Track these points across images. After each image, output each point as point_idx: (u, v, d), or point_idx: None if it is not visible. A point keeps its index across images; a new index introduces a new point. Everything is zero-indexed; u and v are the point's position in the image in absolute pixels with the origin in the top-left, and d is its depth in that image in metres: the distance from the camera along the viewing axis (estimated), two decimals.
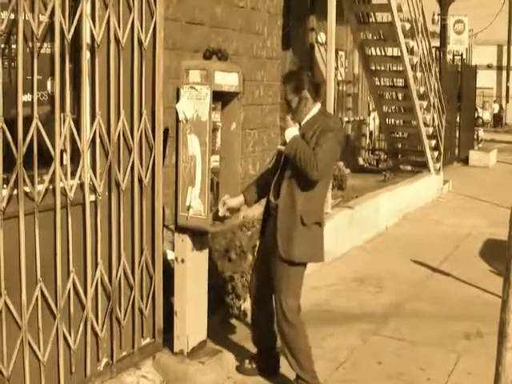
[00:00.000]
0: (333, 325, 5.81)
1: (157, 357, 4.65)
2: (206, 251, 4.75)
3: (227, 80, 4.42)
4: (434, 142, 13.29)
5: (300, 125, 4.33)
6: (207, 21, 7.20)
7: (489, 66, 44.36)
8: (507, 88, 43.61)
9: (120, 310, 4.32)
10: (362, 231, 9.04)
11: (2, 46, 3.48)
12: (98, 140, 4.06)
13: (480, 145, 21.72)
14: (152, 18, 4.39)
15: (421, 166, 13.19)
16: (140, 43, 4.31)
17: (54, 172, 3.76)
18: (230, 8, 7.68)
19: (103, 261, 4.15)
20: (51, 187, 3.78)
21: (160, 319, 4.66)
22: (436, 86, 13.35)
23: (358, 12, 12.43)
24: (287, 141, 4.24)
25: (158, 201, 4.55)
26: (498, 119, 40.99)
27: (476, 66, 22.70)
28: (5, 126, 3.44)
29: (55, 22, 3.70)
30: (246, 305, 5.74)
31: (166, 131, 4.68)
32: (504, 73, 44.93)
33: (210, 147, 4.32)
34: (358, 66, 14.27)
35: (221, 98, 4.46)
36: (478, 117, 31.13)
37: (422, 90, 12.65)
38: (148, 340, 4.62)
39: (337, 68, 12.45)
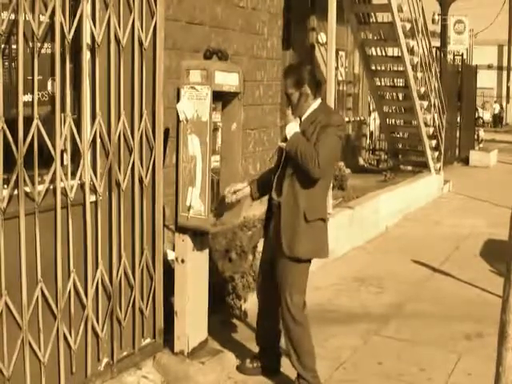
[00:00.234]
0: (334, 325, 5.81)
1: (157, 357, 4.65)
2: (207, 251, 4.75)
3: (227, 80, 4.42)
4: (434, 142, 13.29)
5: (300, 120, 4.32)
6: (207, 21, 7.20)
7: (489, 66, 44.38)
8: (508, 88, 43.62)
9: (120, 310, 4.32)
10: (362, 231, 9.04)
11: (3, 46, 3.47)
12: (98, 140, 4.06)
13: (480, 145, 21.72)
14: (152, 18, 4.39)
15: (421, 166, 13.19)
16: (140, 43, 4.31)
17: (54, 172, 3.76)
18: (231, 8, 7.68)
19: (104, 261, 4.15)
20: (52, 187, 3.78)
21: (160, 319, 4.66)
22: (436, 86, 13.35)
23: (359, 12, 12.44)
24: (288, 137, 4.23)
25: (158, 201, 4.55)
26: (498, 119, 40.99)
27: (476, 66, 22.72)
28: (5, 126, 3.44)
29: (56, 22, 3.70)
30: (247, 305, 5.75)
31: (166, 131, 4.68)
32: (504, 73, 44.94)
33: (211, 147, 4.32)
34: (359, 66, 14.28)
35: (221, 98, 4.46)
36: (479, 117, 31.13)
37: (422, 90, 12.66)
38: (148, 340, 4.62)
39: (337, 68, 12.45)
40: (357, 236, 8.85)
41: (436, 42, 20.04)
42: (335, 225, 7.96)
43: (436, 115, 13.33)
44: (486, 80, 37.60)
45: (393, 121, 14.09)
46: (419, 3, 12.25)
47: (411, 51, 12.07)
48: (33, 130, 3.60)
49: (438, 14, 28.61)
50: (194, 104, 4.30)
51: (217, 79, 4.29)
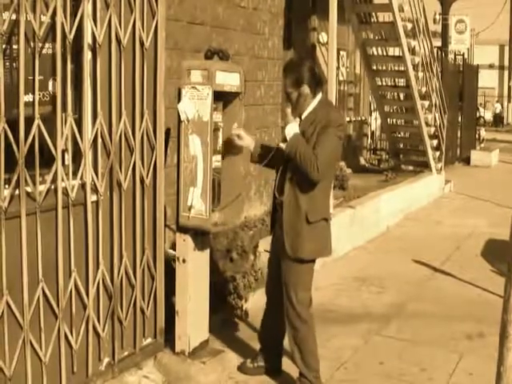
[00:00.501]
0: (335, 325, 5.81)
1: (158, 357, 4.65)
2: (208, 251, 4.76)
3: (228, 80, 4.42)
4: (435, 142, 13.29)
5: (300, 118, 4.30)
6: (208, 21, 7.20)
7: (491, 66, 44.36)
8: (509, 88, 43.61)
9: (122, 310, 4.32)
10: (363, 231, 9.04)
11: (4, 46, 3.47)
12: (99, 140, 4.06)
13: (482, 144, 21.70)
14: (153, 18, 4.39)
15: (422, 166, 13.19)
16: (141, 43, 4.32)
17: (55, 172, 3.76)
18: (232, 8, 7.68)
19: (105, 261, 4.16)
20: (53, 187, 3.79)
21: (161, 319, 4.66)
22: (438, 85, 13.34)
23: (360, 12, 12.45)
24: (287, 138, 4.22)
25: (159, 201, 4.55)
26: (499, 119, 40.98)
27: (478, 65, 22.69)
28: (6, 126, 3.44)
29: (57, 22, 3.70)
30: (248, 305, 5.75)
31: (167, 131, 4.69)
32: (506, 72, 44.93)
33: (212, 147, 4.32)
34: (360, 65, 14.27)
35: (222, 98, 4.46)
36: (480, 116, 31.12)
37: (423, 89, 12.66)
38: (149, 340, 4.62)
39: (338, 68, 12.45)
40: (358, 236, 8.85)
41: (437, 42, 20.05)
42: (336, 224, 7.94)
43: (437, 115, 13.33)
44: (487, 80, 37.61)
45: (394, 120, 14.09)
46: (420, 3, 12.25)
47: (412, 51, 12.07)
48: (34, 129, 3.60)
49: (439, 14, 28.61)
50: (195, 104, 4.30)
51: (218, 79, 4.29)
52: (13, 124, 3.48)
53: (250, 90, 7.92)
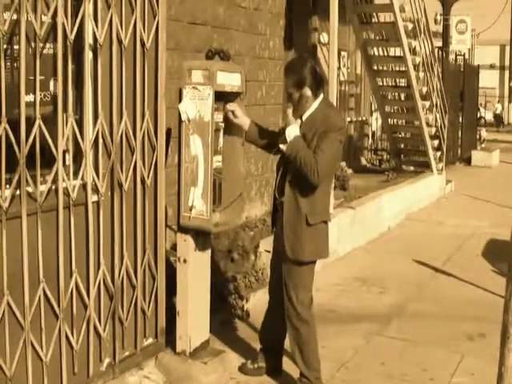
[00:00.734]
0: (336, 325, 5.81)
1: (159, 357, 4.65)
2: (209, 251, 4.75)
3: (229, 80, 4.41)
4: (436, 142, 13.28)
5: (301, 120, 4.29)
6: (209, 21, 7.20)
7: (491, 66, 44.36)
8: (510, 88, 43.60)
9: (122, 311, 4.32)
10: (364, 231, 9.04)
11: (5, 46, 3.47)
12: (100, 140, 4.06)
13: (482, 145, 21.70)
14: (154, 18, 4.39)
15: (423, 166, 13.18)
16: (142, 44, 4.32)
17: (56, 172, 3.76)
18: (233, 8, 7.68)
19: (106, 261, 4.16)
20: (54, 187, 3.79)
21: (162, 319, 4.66)
22: (438, 86, 13.34)
23: (361, 12, 12.44)
24: (288, 140, 4.21)
25: (160, 201, 4.55)
26: (499, 119, 40.99)
27: (478, 65, 22.69)
28: (7, 127, 3.44)
29: (57, 22, 3.70)
30: (249, 305, 5.75)
31: (168, 131, 4.68)
32: (506, 73, 44.93)
33: (213, 147, 4.32)
34: (361, 66, 14.27)
35: (223, 98, 4.45)
36: (481, 117, 31.12)
37: (424, 90, 12.65)
38: (150, 340, 4.62)
39: (339, 68, 12.43)
40: (359, 236, 8.85)
41: (438, 42, 20.05)
42: (337, 225, 7.96)
43: (438, 115, 13.32)
44: (488, 80, 37.62)
45: (395, 121, 14.08)
46: (421, 3, 12.24)
47: (413, 51, 12.07)
48: (35, 130, 3.60)
49: (440, 14, 28.62)
50: (196, 104, 4.30)
51: (219, 79, 4.29)
52: (14, 124, 3.48)
53: (251, 90, 7.92)
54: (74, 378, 4.00)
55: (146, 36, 4.33)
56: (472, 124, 20.38)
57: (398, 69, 13.19)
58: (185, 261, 4.55)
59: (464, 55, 20.12)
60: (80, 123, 3.96)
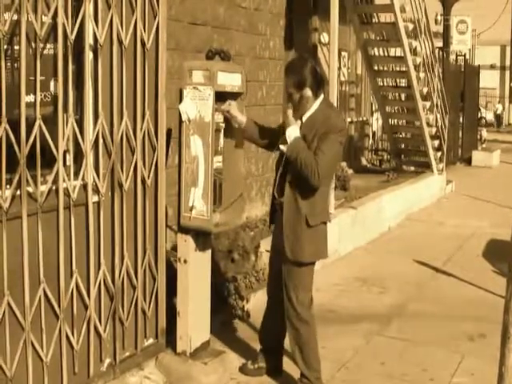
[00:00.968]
0: (336, 325, 5.81)
1: (160, 357, 4.65)
2: (209, 252, 4.75)
3: (230, 80, 4.41)
4: (437, 143, 13.28)
5: (301, 120, 4.28)
6: (210, 21, 7.20)
7: (492, 67, 44.34)
8: (510, 88, 43.57)
9: (123, 311, 4.32)
10: (365, 231, 9.04)
11: (5, 46, 3.48)
12: (100, 140, 4.06)
13: (483, 145, 21.69)
14: (155, 18, 4.40)
15: (424, 167, 13.18)
16: (143, 44, 4.32)
17: (56, 173, 3.76)
18: (233, 8, 7.68)
19: (106, 261, 4.16)
20: (54, 188, 3.79)
21: (163, 320, 4.66)
22: (439, 86, 13.33)
23: (361, 12, 12.44)
24: (288, 141, 4.20)
25: (160, 201, 4.55)
26: (500, 119, 41.00)
27: (479, 66, 22.68)
28: (8, 127, 3.44)
29: (58, 22, 3.70)
30: (249, 305, 5.75)
31: (169, 132, 4.68)
32: (507, 73, 44.91)
33: (213, 148, 4.32)
34: (361, 66, 14.26)
35: (224, 99, 4.45)
36: (481, 117, 31.10)
37: (425, 90, 12.65)
38: (151, 340, 4.62)
39: (340, 68, 12.42)
40: (359, 236, 8.85)
41: (438, 43, 20.05)
42: (338, 225, 7.97)
43: (439, 115, 13.32)
44: (488, 80, 37.60)
45: (395, 121, 14.08)
46: (422, 4, 12.24)
47: (414, 51, 12.06)
48: (35, 130, 3.60)
49: (441, 15, 28.59)
50: (196, 104, 4.30)
51: (219, 79, 4.29)
52: (14, 124, 3.49)
53: (252, 91, 7.92)
54: (75, 378, 4.00)
55: (146, 36, 4.33)
56: (472, 124, 20.37)
57: (398, 69, 13.18)
58: (185, 261, 4.55)
59: (464, 55, 20.09)
60: (80, 123, 3.96)
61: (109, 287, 4.21)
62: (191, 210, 4.39)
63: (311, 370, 4.41)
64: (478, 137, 21.41)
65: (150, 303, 4.56)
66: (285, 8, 9.05)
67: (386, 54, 13.16)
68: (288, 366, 4.71)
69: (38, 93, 3.65)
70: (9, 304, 3.54)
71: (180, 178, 4.45)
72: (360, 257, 8.38)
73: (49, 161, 3.74)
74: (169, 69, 4.96)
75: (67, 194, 3.85)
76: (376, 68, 13.09)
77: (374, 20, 13.15)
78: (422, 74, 12.53)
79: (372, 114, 15.71)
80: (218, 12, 7.37)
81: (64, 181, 3.81)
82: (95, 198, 4.07)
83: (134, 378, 4.42)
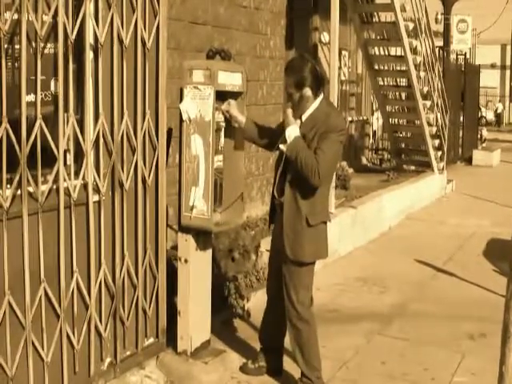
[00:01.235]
0: (337, 324, 5.81)
1: (160, 357, 4.65)
2: (210, 251, 4.75)
3: (230, 80, 4.41)
4: (437, 142, 13.29)
5: (301, 120, 4.27)
6: (210, 21, 7.20)
7: (492, 66, 44.33)
8: (511, 87, 43.56)
9: (123, 310, 4.32)
10: (365, 231, 9.03)
11: (6, 46, 3.47)
12: (101, 140, 4.06)
13: (483, 144, 21.69)
14: (155, 18, 4.39)
15: (424, 166, 13.18)
16: (143, 43, 4.32)
17: (57, 172, 3.76)
18: (233, 8, 7.68)
19: (107, 261, 4.16)
20: (55, 187, 3.79)
21: (163, 319, 4.66)
22: (439, 85, 13.34)
23: (362, 12, 12.44)
24: (288, 141, 4.20)
25: (161, 201, 4.55)
26: (500, 119, 41.00)
27: (479, 65, 22.68)
28: (8, 126, 3.44)
29: (58, 22, 3.70)
30: (250, 305, 5.75)
31: (169, 131, 4.68)
32: (507, 72, 44.90)
33: (214, 147, 4.32)
34: (362, 65, 14.26)
35: (224, 98, 4.45)
36: (482, 116, 31.10)
37: (425, 89, 12.65)
38: (151, 340, 4.62)
39: (340, 68, 12.42)
40: (360, 236, 8.85)
41: (439, 42, 20.03)
42: (338, 224, 7.97)
43: (439, 115, 13.32)
44: (489, 79, 37.58)
45: (396, 120, 14.08)
46: (422, 3, 12.23)
47: (414, 51, 12.06)
48: (36, 130, 3.60)
49: (441, 14, 28.58)
50: (197, 104, 4.30)
51: (220, 79, 4.29)
52: (15, 124, 3.48)
53: (252, 90, 7.92)
54: (75, 378, 4.00)
55: (146, 36, 4.33)
56: (473, 123, 20.37)
57: (398, 68, 13.18)
58: (186, 260, 4.55)
59: (465, 55, 20.08)
60: (81, 123, 3.96)
61: (109, 287, 4.21)
62: (192, 210, 4.39)
63: (312, 370, 4.41)
64: (479, 136, 21.41)
65: (150, 302, 4.56)
66: (285, 7, 9.05)
67: (386, 53, 13.17)
68: (289, 365, 4.72)
69: (39, 92, 3.64)
70: (9, 303, 3.54)
71: (180, 178, 4.45)
72: (360, 256, 8.38)
73: (49, 160, 3.73)
74: (169, 68, 4.96)
75: (68, 193, 3.84)
76: (376, 67, 13.09)
77: (374, 19, 13.17)
78: (422, 74, 12.53)
79: (372, 114, 15.72)
80: (219, 11, 7.37)
81: (64, 180, 3.81)
82: (96, 198, 4.06)
83: (134, 378, 4.42)
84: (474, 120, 20.57)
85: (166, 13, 4.48)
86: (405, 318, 6.13)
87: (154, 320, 4.61)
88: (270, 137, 4.50)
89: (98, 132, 4.03)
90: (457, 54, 19.73)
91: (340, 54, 11.94)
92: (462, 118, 18.49)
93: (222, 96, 4.39)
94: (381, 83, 13.34)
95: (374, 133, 16.05)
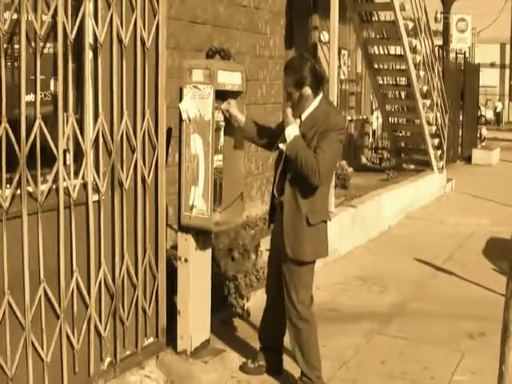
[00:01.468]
0: (337, 324, 5.81)
1: (160, 356, 4.65)
2: (209, 250, 4.75)
3: (230, 79, 4.41)
4: (437, 141, 13.29)
5: (300, 119, 4.27)
6: (210, 20, 7.20)
7: (492, 65, 44.34)
8: (510, 86, 43.57)
9: (123, 310, 4.32)
10: (365, 230, 9.04)
11: (5, 46, 3.47)
12: (101, 140, 4.06)
13: (483, 143, 21.70)
14: (155, 17, 4.39)
15: (424, 165, 13.18)
16: (143, 43, 4.31)
17: (57, 172, 3.76)
18: (233, 7, 7.67)
19: (106, 260, 4.15)
20: (54, 187, 3.78)
21: (163, 319, 4.66)
22: (439, 84, 13.34)
23: (361, 11, 12.44)
24: (287, 140, 4.19)
25: (161, 200, 4.55)
26: (500, 117, 41.02)
27: (479, 64, 22.68)
28: (8, 126, 3.44)
29: (58, 21, 3.70)
30: (250, 304, 5.75)
31: (169, 130, 4.68)
32: (507, 71, 44.90)
33: (213, 146, 4.32)
34: (361, 64, 14.26)
35: (224, 97, 4.45)
36: (481, 115, 31.12)
37: (425, 88, 12.65)
38: (151, 339, 4.62)
39: (340, 67, 12.42)
40: (359, 235, 8.85)
41: (438, 41, 20.04)
42: (338, 224, 7.97)
43: (438, 114, 13.32)
44: (488, 78, 37.61)
45: (395, 119, 14.08)
46: (422, 2, 12.24)
47: (414, 50, 12.06)
48: (35, 129, 3.60)
49: (441, 13, 28.61)
50: (196, 103, 4.30)
51: (219, 78, 4.29)
52: (14, 124, 3.48)
53: (252, 89, 7.92)
54: (75, 378, 4.00)
55: (146, 35, 4.32)
56: (472, 122, 20.38)
57: (398, 67, 13.18)
58: (186, 260, 4.55)
59: (464, 54, 20.09)
60: (80, 122, 3.95)
61: (109, 286, 4.21)
62: (191, 209, 4.39)
63: (312, 369, 4.41)
64: (478, 135, 21.42)
65: (150, 302, 4.56)
66: (285, 7, 9.05)
67: (385, 52, 13.17)
68: (288, 364, 4.72)
69: (38, 92, 3.64)
70: (9, 303, 3.54)
71: (180, 177, 4.45)
72: (360, 255, 8.38)
73: (49, 160, 3.73)
74: (169, 68, 4.95)
75: (67, 193, 3.84)
76: (376, 66, 13.09)
77: (373, 18, 13.17)
78: (421, 73, 12.53)
79: (372, 113, 15.72)
80: (218, 11, 7.37)
81: (64, 180, 3.81)
82: (95, 197, 4.06)
83: (134, 377, 4.42)
84: (473, 119, 20.58)
85: (165, 12, 4.48)
86: (404, 317, 6.14)
87: (153, 319, 4.61)
88: (270, 136, 4.50)
89: (98, 131, 4.03)
90: (456, 53, 19.74)
91: (339, 53, 11.94)
92: (461, 117, 18.50)
93: (221, 95, 4.39)
94: (380, 82, 13.34)
95: (374, 132, 16.05)
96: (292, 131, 4.17)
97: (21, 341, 3.63)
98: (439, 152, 13.41)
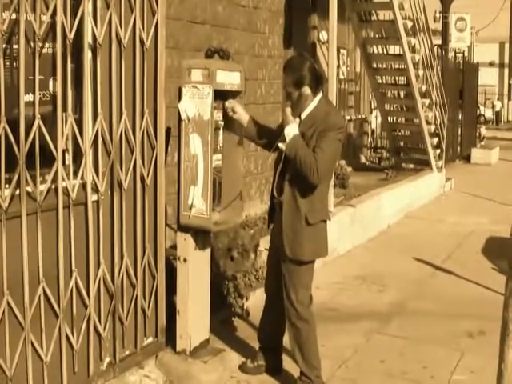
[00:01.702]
0: (336, 323, 5.81)
1: (159, 356, 4.65)
2: (209, 250, 4.75)
3: (229, 79, 4.41)
4: (436, 140, 13.29)
5: (300, 118, 4.28)
6: (209, 20, 7.20)
7: (491, 64, 44.34)
8: (509, 85, 43.58)
9: (123, 310, 4.32)
10: (364, 229, 9.04)
11: (4, 46, 3.47)
12: (100, 140, 4.06)
13: (482, 142, 21.70)
14: (154, 17, 4.39)
15: (423, 164, 13.18)
16: (142, 42, 4.31)
17: (56, 172, 3.76)
18: (232, 7, 7.68)
19: (106, 260, 4.15)
20: (53, 187, 3.78)
21: (162, 318, 4.66)
22: (438, 83, 13.33)
23: (360, 10, 12.43)
24: (287, 139, 4.20)
25: (160, 200, 4.55)
26: (499, 117, 41.02)
27: (478, 63, 22.68)
28: (7, 126, 3.44)
29: (57, 21, 3.70)
30: (249, 304, 5.75)
31: (168, 130, 4.68)
32: (506, 70, 44.91)
33: (212, 146, 4.32)
34: (360, 64, 14.26)
35: (223, 97, 4.45)
36: (480, 114, 31.12)
37: (424, 87, 12.65)
38: (151, 339, 4.62)
39: (338, 66, 12.43)
40: (358, 234, 8.85)
41: (437, 40, 20.03)
42: (337, 223, 7.96)
43: (437, 113, 13.32)
44: (487, 77, 37.58)
45: (394, 119, 14.08)
46: (420, 1, 12.24)
47: (413, 49, 12.06)
48: (34, 129, 3.60)
49: (440, 12, 28.59)
50: (195, 103, 4.30)
51: (218, 78, 4.29)
52: (13, 124, 3.48)
53: (251, 89, 7.92)
54: (75, 378, 4.00)
55: (145, 35, 4.32)
56: (471, 122, 20.39)
57: (397, 67, 13.18)
58: (185, 260, 4.55)
59: (463, 53, 20.11)
60: (79, 122, 3.95)
61: (108, 286, 4.21)
62: (190, 209, 4.39)
63: (311, 369, 4.41)
64: (477, 134, 21.42)
65: (149, 302, 4.56)
66: (284, 6, 9.05)
67: (384, 51, 13.16)
68: (288, 364, 4.72)
69: (37, 92, 3.64)
70: (8, 303, 3.54)
71: (179, 177, 4.45)
72: (359, 255, 8.38)
73: (48, 160, 3.73)
74: (168, 67, 4.95)
75: (66, 193, 3.84)
76: (375, 66, 13.09)
77: (372, 18, 13.14)
78: (420, 72, 12.53)
79: (371, 112, 15.71)
80: (217, 10, 7.37)
81: (63, 180, 3.80)
82: (94, 197, 4.06)
83: (133, 377, 4.42)
84: (472, 118, 20.59)
85: (164, 12, 4.48)
86: (404, 316, 6.14)
87: (153, 319, 4.61)
88: (270, 137, 4.50)
89: (97, 131, 4.03)
90: (455, 52, 19.77)
91: (338, 52, 11.95)
92: (460, 116, 18.50)
93: (220, 95, 4.39)
94: (379, 81, 13.34)
95: (373, 131, 16.04)
96: (291, 130, 4.17)
97: (20, 341, 3.62)
98: (438, 151, 13.42)
